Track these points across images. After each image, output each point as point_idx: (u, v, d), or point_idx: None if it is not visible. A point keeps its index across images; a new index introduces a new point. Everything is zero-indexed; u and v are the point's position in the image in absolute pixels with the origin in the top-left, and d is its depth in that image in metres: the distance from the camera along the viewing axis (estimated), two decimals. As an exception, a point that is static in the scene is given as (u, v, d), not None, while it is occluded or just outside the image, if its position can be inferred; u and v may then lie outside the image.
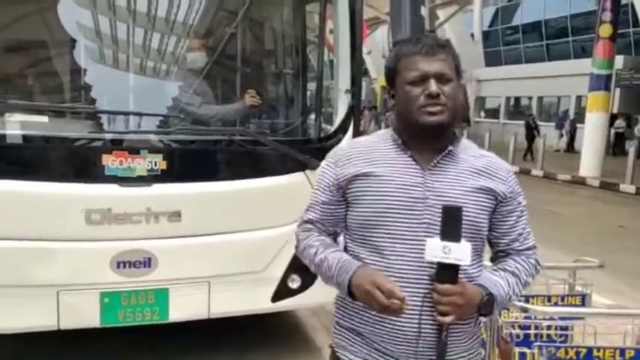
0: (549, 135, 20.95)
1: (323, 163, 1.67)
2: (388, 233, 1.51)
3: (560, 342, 2.12)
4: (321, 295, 3.05)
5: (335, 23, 3.68)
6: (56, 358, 3.51)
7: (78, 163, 3.07)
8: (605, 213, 10.64)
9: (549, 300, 2.52)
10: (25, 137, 3.02)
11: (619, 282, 4.58)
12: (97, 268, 3.00)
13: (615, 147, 20.24)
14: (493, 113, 31.79)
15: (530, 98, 29.10)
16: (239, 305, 3.33)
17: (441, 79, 1.50)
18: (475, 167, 1.56)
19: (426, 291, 1.47)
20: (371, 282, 1.43)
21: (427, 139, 1.54)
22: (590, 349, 1.94)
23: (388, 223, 1.50)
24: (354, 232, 1.59)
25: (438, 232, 1.44)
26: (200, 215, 3.15)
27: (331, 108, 3.78)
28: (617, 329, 2.23)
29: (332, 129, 3.56)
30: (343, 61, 3.65)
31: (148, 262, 3.07)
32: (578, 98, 22.67)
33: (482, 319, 1.60)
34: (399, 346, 1.50)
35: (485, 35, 32.36)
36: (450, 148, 1.55)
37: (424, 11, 3.25)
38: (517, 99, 30.95)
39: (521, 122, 28.06)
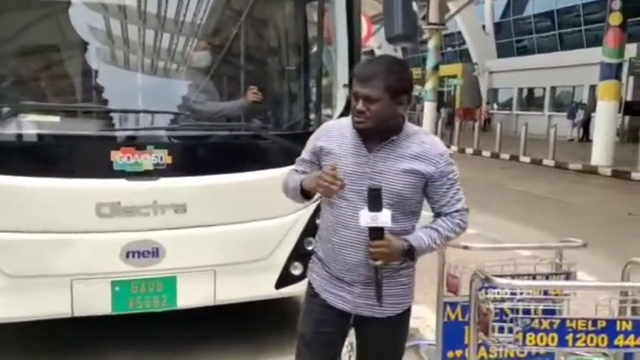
0: (562, 125, 20.85)
1: (314, 133, 2.30)
2: (343, 194, 2.06)
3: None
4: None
5: (333, 20, 3.80)
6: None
7: (88, 159, 3.22)
8: (615, 201, 10.62)
9: (534, 278, 2.62)
10: (37, 136, 3.20)
11: (612, 263, 4.61)
12: (108, 258, 3.17)
13: (630, 134, 20.10)
14: (505, 105, 31.63)
15: (543, 89, 28.90)
16: (244, 292, 3.49)
17: (367, 99, 2.02)
18: (413, 153, 2.07)
19: (364, 236, 2.01)
20: (317, 174, 2.08)
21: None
22: (563, 320, 2.05)
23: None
24: None
25: None
26: (205, 207, 3.31)
27: (332, 102, 3.90)
28: (601, 304, 2.33)
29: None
30: (341, 57, 3.78)
31: (156, 252, 3.24)
32: (592, 87, 22.46)
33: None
34: (348, 273, 2.13)
35: (497, 27, 32.16)
36: (393, 138, 2.07)
37: (415, 7, 3.35)
38: (530, 90, 30.75)
39: (535, 113, 28.04)
